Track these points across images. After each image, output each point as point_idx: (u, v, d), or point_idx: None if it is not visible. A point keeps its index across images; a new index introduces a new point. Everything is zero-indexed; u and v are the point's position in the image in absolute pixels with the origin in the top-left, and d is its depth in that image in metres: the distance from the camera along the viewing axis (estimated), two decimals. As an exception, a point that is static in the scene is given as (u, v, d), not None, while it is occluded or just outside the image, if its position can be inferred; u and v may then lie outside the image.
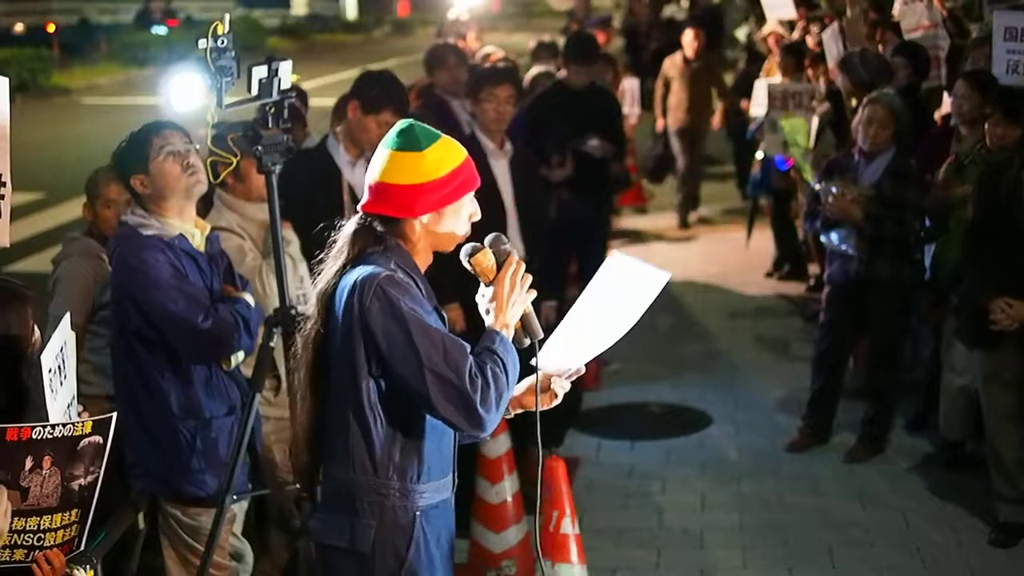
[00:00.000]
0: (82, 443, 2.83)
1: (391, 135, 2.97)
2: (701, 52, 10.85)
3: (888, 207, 5.75)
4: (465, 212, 3.00)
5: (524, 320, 2.98)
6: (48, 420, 2.92)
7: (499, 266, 2.95)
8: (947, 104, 6.58)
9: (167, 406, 3.87)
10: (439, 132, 2.99)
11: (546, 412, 3.11)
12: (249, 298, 4.00)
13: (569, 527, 4.39)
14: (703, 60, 10.92)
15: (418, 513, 2.96)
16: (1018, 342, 5.06)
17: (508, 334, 2.94)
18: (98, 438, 2.86)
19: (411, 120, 3.01)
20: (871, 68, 6.56)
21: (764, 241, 9.58)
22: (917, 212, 5.88)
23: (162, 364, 3.87)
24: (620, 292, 3.02)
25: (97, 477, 2.86)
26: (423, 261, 3.01)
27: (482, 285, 2.99)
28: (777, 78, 9.41)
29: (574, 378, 3.13)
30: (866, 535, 5.35)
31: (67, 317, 3.18)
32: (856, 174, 5.92)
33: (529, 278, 2.98)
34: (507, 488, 4.84)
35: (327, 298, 2.96)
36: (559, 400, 3.09)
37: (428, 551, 2.99)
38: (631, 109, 10.68)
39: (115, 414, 2.92)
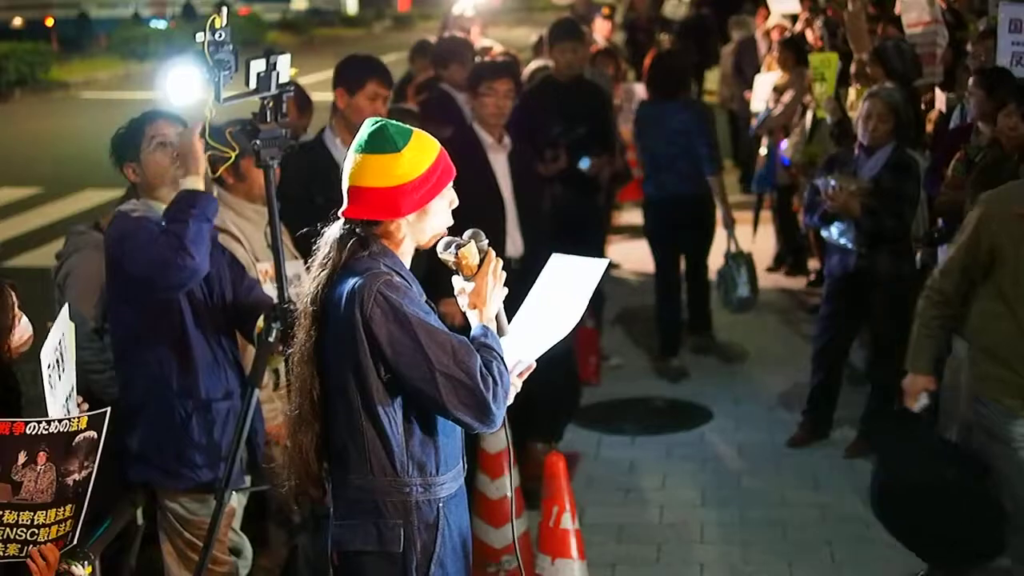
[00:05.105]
0: (77, 438, 2.82)
1: (363, 137, 2.92)
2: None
3: (887, 201, 5.74)
4: (447, 203, 2.99)
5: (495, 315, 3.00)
6: (47, 415, 2.90)
7: (480, 261, 2.97)
8: (941, 100, 6.57)
9: (166, 382, 3.87)
10: (410, 127, 2.96)
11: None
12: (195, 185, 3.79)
13: (569, 522, 4.39)
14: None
15: (441, 505, 2.99)
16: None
17: (493, 327, 2.96)
18: (93, 433, 2.85)
19: (381, 119, 2.96)
20: (906, 60, 6.55)
21: (765, 236, 9.57)
22: (915, 206, 5.87)
23: (163, 341, 3.86)
24: (564, 287, 3.07)
25: (91, 472, 2.85)
26: (408, 258, 3.00)
27: (459, 278, 3.00)
28: (777, 72, 9.40)
29: (525, 376, 3.13)
30: (866, 530, 5.34)
31: (65, 309, 3.17)
32: (856, 168, 5.92)
33: (504, 274, 3.00)
34: (507, 483, 4.83)
35: (317, 308, 2.93)
36: (510, 400, 3.07)
37: (452, 540, 3.02)
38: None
39: (108, 409, 2.92)
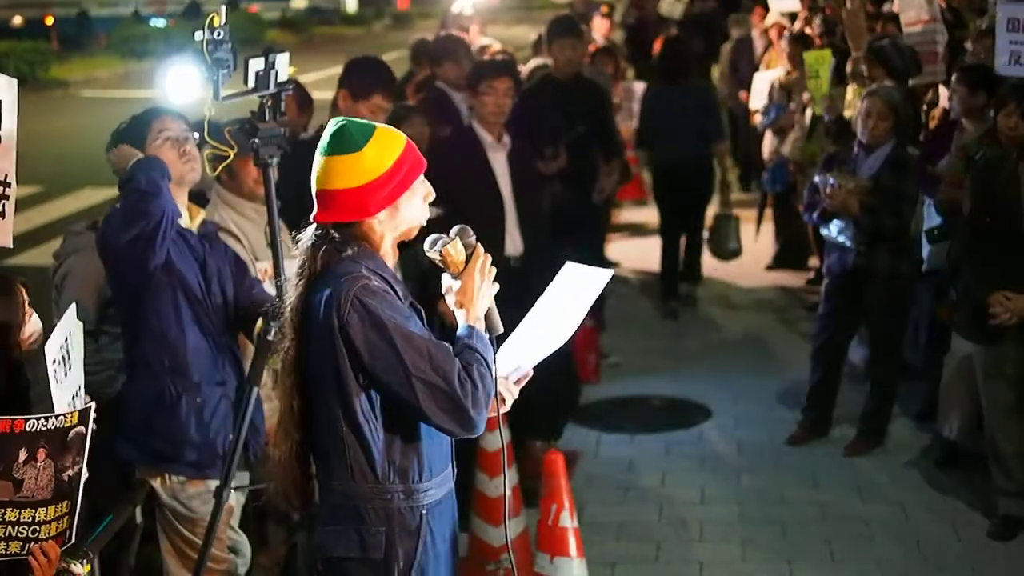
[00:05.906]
0: (71, 434, 2.84)
1: (325, 140, 2.88)
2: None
3: (886, 199, 5.74)
4: (419, 196, 2.93)
5: (486, 314, 2.96)
6: (54, 411, 2.91)
7: (467, 258, 2.93)
8: (945, 97, 6.56)
9: (159, 366, 3.88)
10: (373, 124, 2.92)
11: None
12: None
13: (568, 521, 4.39)
14: None
15: (424, 512, 2.95)
16: (1018, 336, 5.04)
17: (481, 327, 2.92)
18: (81, 428, 2.86)
19: (343, 119, 2.93)
20: (906, 58, 6.54)
21: (765, 234, 9.58)
22: (915, 205, 5.86)
23: (159, 328, 3.87)
24: (570, 296, 3.06)
25: (81, 467, 2.86)
26: (390, 257, 2.95)
27: (446, 276, 2.97)
28: (778, 70, 9.39)
29: (523, 383, 3.11)
30: (865, 528, 5.35)
31: (72, 307, 3.18)
32: (855, 166, 5.91)
33: (494, 270, 2.96)
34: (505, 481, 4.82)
35: (298, 317, 2.90)
36: (507, 407, 3.07)
37: (435, 548, 2.99)
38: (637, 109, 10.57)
39: (92, 404, 2.94)
